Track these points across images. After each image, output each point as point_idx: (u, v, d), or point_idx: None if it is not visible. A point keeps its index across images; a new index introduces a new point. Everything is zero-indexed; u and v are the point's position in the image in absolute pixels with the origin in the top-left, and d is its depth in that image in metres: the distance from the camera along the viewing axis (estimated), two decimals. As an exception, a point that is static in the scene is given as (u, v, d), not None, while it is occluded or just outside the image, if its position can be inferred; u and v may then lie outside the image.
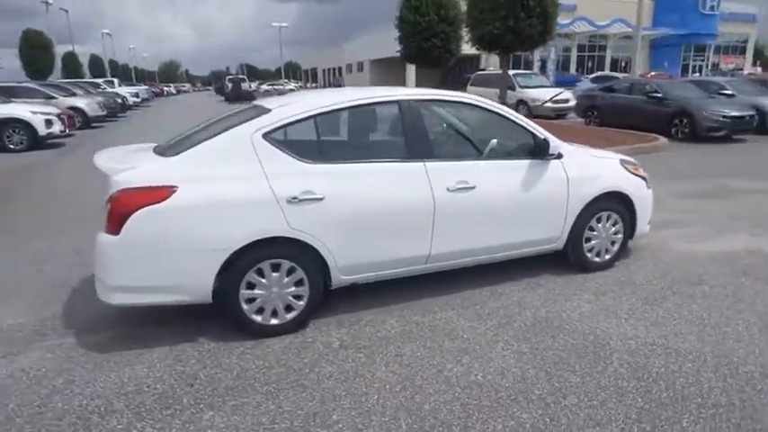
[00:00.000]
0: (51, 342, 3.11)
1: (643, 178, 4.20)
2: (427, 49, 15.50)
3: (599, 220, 3.99)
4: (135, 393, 2.59)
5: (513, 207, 3.61)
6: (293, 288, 3.10)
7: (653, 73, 31.93)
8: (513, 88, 17.67)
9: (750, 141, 11.61)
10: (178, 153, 2.96)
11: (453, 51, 16.05)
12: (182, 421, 2.37)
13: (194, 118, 6.61)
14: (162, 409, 2.46)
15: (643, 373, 2.72)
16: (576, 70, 39.60)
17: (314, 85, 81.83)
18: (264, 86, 51.14)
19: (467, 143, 3.65)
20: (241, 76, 40.56)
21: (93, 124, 17.42)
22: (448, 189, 3.34)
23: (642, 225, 4.25)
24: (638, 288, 3.81)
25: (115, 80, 33.15)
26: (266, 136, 3.02)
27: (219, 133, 3.03)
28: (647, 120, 12.14)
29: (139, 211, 2.72)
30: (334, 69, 72.66)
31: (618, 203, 4.03)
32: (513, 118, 3.70)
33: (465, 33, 15.34)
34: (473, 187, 3.40)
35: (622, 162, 4.16)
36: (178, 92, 66.98)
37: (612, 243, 4.12)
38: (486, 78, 19.58)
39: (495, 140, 3.63)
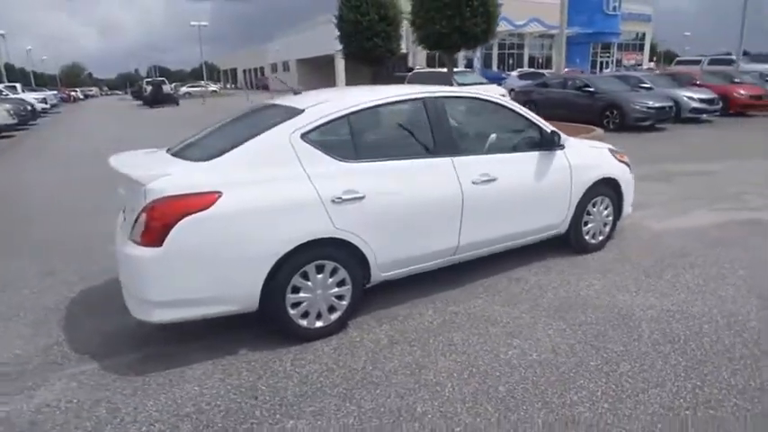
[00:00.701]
0: (70, 370, 2.84)
1: (626, 164, 4.57)
2: (369, 49, 15.63)
3: (594, 205, 4.29)
4: (198, 413, 2.45)
5: (529, 196, 3.81)
6: (336, 289, 3.07)
7: (567, 69, 34.30)
8: (451, 85, 18.27)
9: (670, 129, 12.87)
10: (213, 157, 2.82)
11: (394, 50, 16.32)
12: (264, 433, 2.30)
13: (119, 124, 6.22)
14: (237, 425, 2.35)
15: (673, 337, 2.99)
16: (498, 67, 41.58)
17: (232, 86, 79.17)
18: (184, 89, 48.74)
19: (484, 137, 3.78)
20: (161, 78, 38.34)
21: (2, 134, 15.75)
22: (473, 182, 3.45)
23: (627, 207, 4.63)
24: (634, 264, 4.15)
25: (17, 85, 30.13)
26: (304, 136, 2.96)
27: (255, 135, 2.93)
28: (581, 112, 13.04)
29: (184, 220, 2.57)
30: (256, 69, 70.81)
31: (609, 188, 4.36)
32: (521, 112, 3.90)
33: (402, 33, 15.70)
34: (495, 179, 3.54)
35: (610, 150, 4.50)
36: (86, 96, 61.99)
37: (605, 225, 4.45)
38: (424, 76, 20.02)
39: (509, 134, 3.81)
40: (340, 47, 16.47)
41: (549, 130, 3.90)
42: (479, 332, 3.12)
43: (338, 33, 16.06)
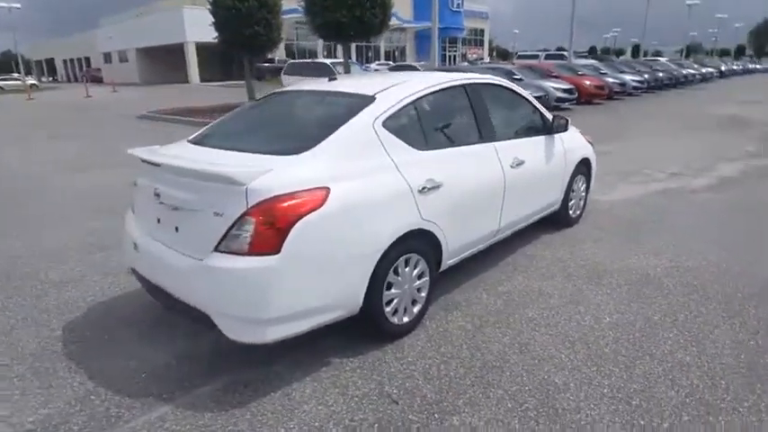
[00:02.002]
0: (146, 417, 2.34)
1: (591, 144, 5.15)
2: (250, 37, 14.79)
3: (575, 182, 4.78)
4: (349, 431, 2.24)
5: (544, 177, 4.12)
6: (418, 281, 3.00)
7: (422, 63, 36.49)
8: (333, 76, 18.21)
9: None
10: (301, 149, 2.53)
11: (275, 39, 15.70)
12: (434, 434, 2.19)
13: None
14: (399, 432, 2.21)
15: (697, 288, 3.53)
16: (357, 59, 42.51)
17: (50, 79, 68.30)
18: (-4, 82, 40.58)
19: (508, 122, 3.96)
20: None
21: None
22: (510, 166, 3.62)
23: (593, 183, 5.23)
24: (614, 231, 4.74)
25: None
26: (384, 124, 2.82)
27: (337, 124, 2.70)
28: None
29: (301, 221, 2.29)
30: (80, 60, 61.73)
31: (584, 167, 4.89)
32: (529, 98, 4.18)
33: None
34: (524, 162, 3.75)
35: (580, 132, 5.03)
36: None
37: (580, 200, 4.99)
38: (303, 67, 19.67)
39: (523, 119, 4.05)
40: (192, 34, 15.27)
41: (550, 116, 4.23)
42: (544, 306, 3.32)
43: (212, 20, 14.88)
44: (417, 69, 24.68)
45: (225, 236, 2.28)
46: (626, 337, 2.93)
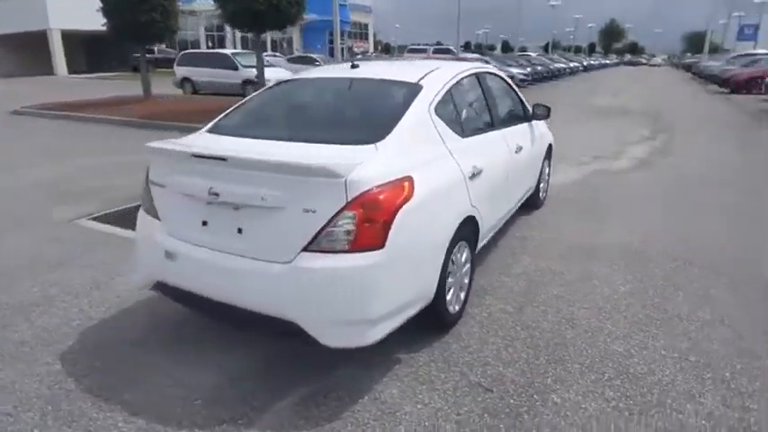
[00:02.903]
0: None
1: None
2: (145, 24, 13.42)
3: (543, 167, 5.11)
4: (462, 427, 2.18)
5: (532, 161, 4.37)
6: (465, 267, 3.00)
7: (320, 56, 36.08)
8: (235, 68, 17.23)
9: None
10: (371, 139, 2.38)
11: (173, 27, 14.44)
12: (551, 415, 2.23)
13: None
14: (533, 415, 2.22)
15: (677, 256, 3.97)
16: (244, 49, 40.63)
17: None
18: None
19: (504, 110, 4.08)
20: None
21: None
22: (514, 152, 3.76)
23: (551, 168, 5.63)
24: (579, 211, 5.15)
25: None
26: (436, 111, 2.77)
27: (398, 113, 2.59)
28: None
29: (400, 213, 2.18)
30: None
31: (548, 152, 5.24)
32: (515, 88, 4.36)
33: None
34: (522, 147, 3.93)
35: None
36: None
37: (546, 183, 5.34)
38: (200, 58, 18.30)
39: (513, 108, 4.21)
40: (57, 20, 13.57)
41: (530, 105, 4.47)
42: (562, 282, 3.52)
43: (101, 5, 13.23)
44: (317, 62, 24.34)
45: (318, 234, 2.08)
46: (648, 302, 3.22)
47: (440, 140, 2.71)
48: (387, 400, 2.33)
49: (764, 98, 16.01)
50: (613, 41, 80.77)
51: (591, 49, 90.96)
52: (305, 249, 2.11)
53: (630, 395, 2.35)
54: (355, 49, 54.75)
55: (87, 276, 3.61)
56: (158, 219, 2.55)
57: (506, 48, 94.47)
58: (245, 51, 21.13)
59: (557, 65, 30.40)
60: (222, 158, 2.18)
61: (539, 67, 26.03)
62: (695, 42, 67.19)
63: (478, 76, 3.56)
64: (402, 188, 2.21)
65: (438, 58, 22.11)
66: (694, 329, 2.91)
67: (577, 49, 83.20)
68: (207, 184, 2.25)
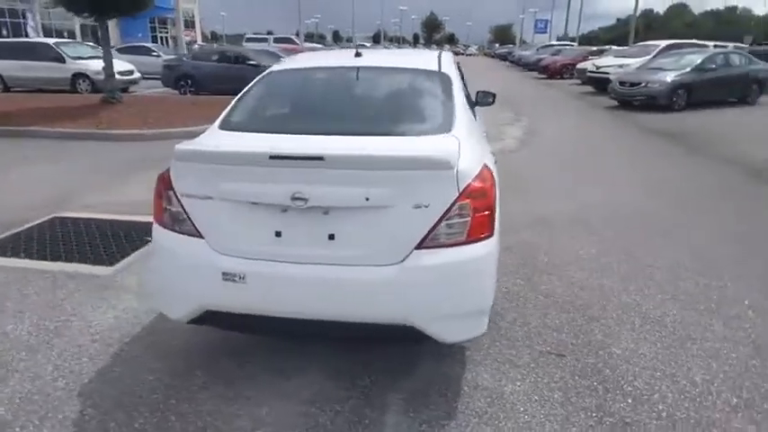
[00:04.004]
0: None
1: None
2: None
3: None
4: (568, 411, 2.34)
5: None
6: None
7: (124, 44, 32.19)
8: (61, 60, 14.58)
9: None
10: (442, 130, 2.35)
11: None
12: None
13: None
14: (599, 374, 2.44)
15: (631, 216, 4.66)
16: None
17: None
18: None
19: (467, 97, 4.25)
20: None
21: None
22: (485, 133, 4.00)
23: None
24: (521, 187, 5.63)
25: None
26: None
27: (446, 102, 2.58)
28: (248, 84, 13.45)
29: (497, 202, 2.19)
30: None
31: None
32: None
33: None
34: (486, 132, 4.18)
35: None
36: None
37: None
38: (10, 48, 15.00)
39: (466, 92, 4.43)
40: None
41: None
42: (576, 256, 3.87)
43: None
44: (155, 52, 21.83)
45: (433, 229, 2.00)
46: (642, 256, 3.76)
47: (477, 126, 2.77)
48: (486, 385, 2.37)
49: (575, 82, 19.13)
50: (434, 32, 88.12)
51: (415, 40, 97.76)
52: (418, 247, 2.01)
53: (663, 336, 2.77)
54: (183, 38, 50.40)
55: (29, 323, 2.88)
56: (200, 236, 2.15)
57: (337, 38, 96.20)
58: (72, 41, 18.00)
59: (398, 54, 31.98)
60: (318, 158, 1.94)
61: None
62: (501, 34, 76.96)
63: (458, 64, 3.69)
64: (491, 174, 2.23)
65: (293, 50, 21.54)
66: (689, 275, 3.51)
67: (402, 40, 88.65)
68: (288, 189, 1.98)
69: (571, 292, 3.23)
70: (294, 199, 1.98)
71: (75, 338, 2.74)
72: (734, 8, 78.58)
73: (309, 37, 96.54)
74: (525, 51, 31.48)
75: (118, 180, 5.83)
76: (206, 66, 14.04)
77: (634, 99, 11.71)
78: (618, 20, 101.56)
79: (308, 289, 2.06)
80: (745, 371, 2.49)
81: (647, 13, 76.33)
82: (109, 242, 4.10)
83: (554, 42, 34.34)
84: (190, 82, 14.03)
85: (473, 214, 2.04)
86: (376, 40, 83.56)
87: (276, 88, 2.96)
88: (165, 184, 2.22)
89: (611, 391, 2.34)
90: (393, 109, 2.66)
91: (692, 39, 17.93)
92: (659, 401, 2.27)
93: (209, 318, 2.20)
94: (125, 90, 15.06)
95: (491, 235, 2.10)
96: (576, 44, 32.67)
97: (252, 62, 13.63)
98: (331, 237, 2.04)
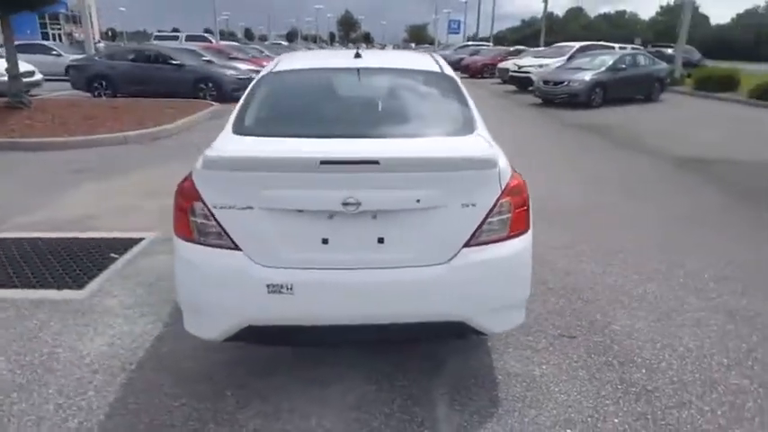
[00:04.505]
0: None
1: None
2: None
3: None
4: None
5: None
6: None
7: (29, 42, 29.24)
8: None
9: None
10: (467, 131, 2.41)
11: None
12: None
13: None
14: (608, 348, 2.65)
15: (606, 214, 5.01)
16: None
17: None
18: None
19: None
20: None
21: None
22: None
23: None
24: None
25: None
26: (467, 100, 2.91)
27: (461, 103, 2.65)
28: (172, 86, 12.66)
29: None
30: None
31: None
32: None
33: None
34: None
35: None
36: None
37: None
38: None
39: None
40: None
41: None
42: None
43: None
44: (53, 50, 19.85)
45: (480, 226, 2.07)
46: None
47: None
48: (517, 372, 2.49)
49: (496, 81, 20.09)
50: (351, 31, 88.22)
51: (332, 39, 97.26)
52: (466, 245, 2.07)
53: (650, 311, 3.06)
54: (75, 35, 46.32)
55: (6, 360, 2.59)
56: (237, 249, 2.05)
57: (249, 35, 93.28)
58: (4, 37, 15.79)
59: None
60: (373, 161, 1.92)
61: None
62: (416, 34, 78.73)
63: None
64: (518, 172, 2.33)
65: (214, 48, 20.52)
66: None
67: (319, 39, 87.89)
68: (340, 195, 1.95)
69: (561, 279, 3.46)
70: (345, 204, 1.96)
71: (71, 371, 2.49)
72: (623, 12, 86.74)
73: (220, 35, 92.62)
74: (445, 51, 32.52)
75: (52, 193, 5.29)
76: (122, 66, 13.04)
77: (557, 97, 12.62)
78: (522, 21, 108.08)
79: (359, 294, 2.05)
80: (725, 335, 2.83)
81: (549, 16, 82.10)
82: (66, 263, 3.73)
83: (470, 42, 35.82)
84: (104, 84, 12.96)
85: (513, 211, 2.13)
86: (290, 38, 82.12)
87: (283, 91, 2.86)
88: (189, 195, 2.08)
89: (626, 364, 2.56)
90: (413, 110, 2.69)
91: (589, 40, 19.65)
92: (667, 368, 2.52)
93: (248, 334, 2.11)
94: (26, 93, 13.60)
95: (528, 229, 2.21)
96: (491, 44, 34.35)
97: (175, 61, 12.89)
98: (380, 240, 2.04)
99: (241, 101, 2.66)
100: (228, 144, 2.20)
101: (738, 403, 2.29)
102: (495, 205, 2.09)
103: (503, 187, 2.10)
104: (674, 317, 3.00)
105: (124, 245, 4.06)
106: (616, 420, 2.18)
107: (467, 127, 2.45)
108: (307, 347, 2.56)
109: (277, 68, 2.96)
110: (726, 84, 14.69)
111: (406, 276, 2.05)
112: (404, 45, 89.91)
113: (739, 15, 71.51)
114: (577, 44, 17.27)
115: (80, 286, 3.41)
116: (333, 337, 2.19)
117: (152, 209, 4.79)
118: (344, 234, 2.03)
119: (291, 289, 2.01)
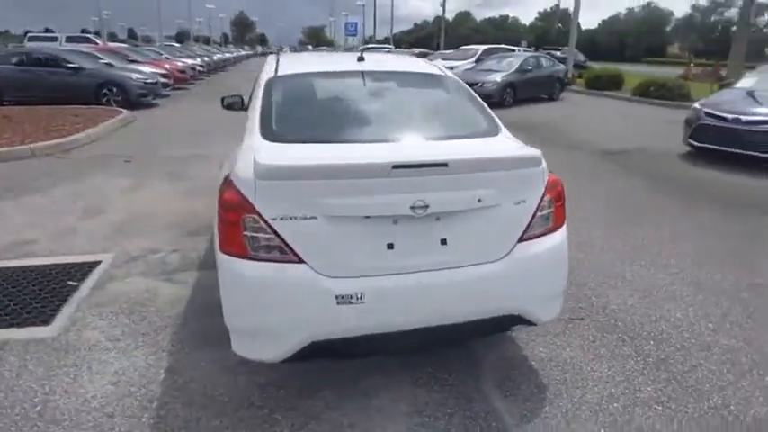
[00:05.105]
0: None
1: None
2: None
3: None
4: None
5: None
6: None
7: None
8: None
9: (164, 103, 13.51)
10: (494, 131, 2.51)
11: None
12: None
13: None
14: (614, 326, 2.88)
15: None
16: None
17: None
18: None
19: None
20: None
21: None
22: None
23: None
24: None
25: None
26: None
27: (477, 104, 2.76)
28: (71, 92, 11.40)
29: None
30: None
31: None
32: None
33: None
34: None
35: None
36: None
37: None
38: None
39: None
40: None
41: None
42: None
43: None
44: None
45: (531, 222, 2.17)
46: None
47: None
48: (548, 357, 2.64)
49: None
50: (246, 32, 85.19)
51: (225, 40, 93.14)
52: (520, 240, 2.16)
53: (635, 289, 3.39)
54: None
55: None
56: (300, 261, 1.95)
57: (133, 36, 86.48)
58: None
59: (225, 55, 30.47)
60: (441, 164, 1.93)
61: (215, 57, 25.62)
62: (314, 36, 78.07)
63: None
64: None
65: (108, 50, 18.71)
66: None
67: (211, 41, 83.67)
68: (409, 198, 1.94)
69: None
70: (413, 208, 1.95)
71: (82, 420, 2.18)
72: (506, 17, 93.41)
73: (97, 34, 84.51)
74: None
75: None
76: (6, 70, 11.47)
77: (473, 98, 13.24)
78: (415, 24, 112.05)
79: (425, 297, 2.05)
80: (701, 303, 3.21)
81: (439, 20, 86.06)
82: (17, 296, 3.24)
83: (375, 45, 36.41)
84: (-7, 89, 11.32)
85: (555, 205, 2.26)
86: (180, 39, 77.48)
87: (302, 95, 2.74)
88: (240, 208, 1.93)
89: (636, 338, 2.81)
90: (438, 113, 2.73)
91: (479, 42, 20.88)
92: (669, 338, 2.82)
93: (312, 350, 2.01)
94: None
95: (564, 222, 2.35)
96: (393, 46, 35.19)
97: (71, 65, 11.60)
98: (443, 242, 2.05)
99: (257, 107, 2.49)
100: (274, 152, 2.07)
101: (735, 360, 2.63)
102: (541, 201, 2.19)
103: (546, 184, 2.22)
104: (655, 293, 3.33)
105: (80, 270, 3.62)
106: (649, 388, 2.40)
107: (493, 127, 2.54)
108: (351, 359, 2.48)
109: (282, 72, 2.82)
110: (614, 83, 16.48)
111: (468, 275, 2.08)
112: (300, 47, 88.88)
113: (604, 21, 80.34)
114: (482, 47, 18.29)
115: (44, 321, 2.98)
116: (397, 344, 2.16)
117: (94, 228, 4.33)
118: (409, 238, 2.01)
119: (362, 298, 1.95)
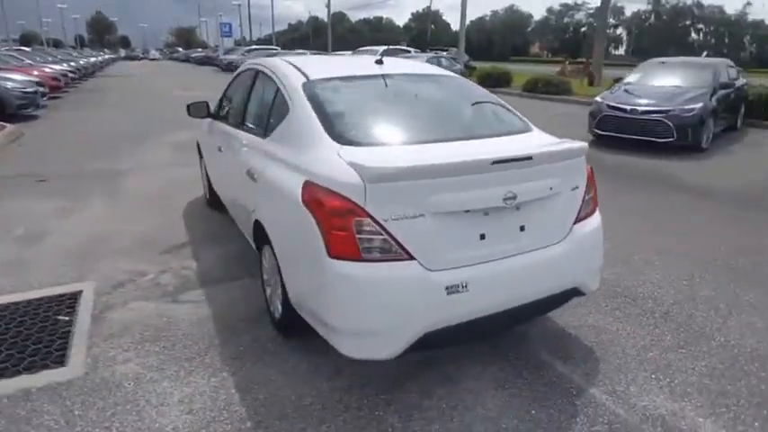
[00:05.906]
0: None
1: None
2: None
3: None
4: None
5: None
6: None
7: None
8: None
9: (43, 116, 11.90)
10: (526, 129, 2.79)
11: None
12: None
13: None
14: (619, 295, 3.35)
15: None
16: None
17: None
18: None
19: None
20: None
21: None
22: None
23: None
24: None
25: None
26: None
27: (499, 104, 2.99)
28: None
29: None
30: None
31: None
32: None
33: None
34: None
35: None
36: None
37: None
38: None
39: None
40: None
41: None
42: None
43: None
44: None
45: (582, 205, 2.49)
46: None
47: None
48: (581, 324, 3.00)
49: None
50: (105, 34, 77.05)
51: (81, 43, 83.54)
52: (576, 221, 2.46)
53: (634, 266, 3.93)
54: None
55: None
56: (410, 258, 2.05)
57: (-39, 38, 73.82)
58: None
59: (93, 59, 27.51)
60: (527, 158, 2.15)
61: (83, 61, 23.03)
62: (184, 37, 73.13)
63: None
64: None
65: None
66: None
67: (57, 43, 74.61)
68: (503, 191, 2.14)
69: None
70: (506, 199, 2.15)
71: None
72: (381, 18, 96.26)
73: None
74: (232, 56, 31.43)
75: None
76: None
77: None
78: (289, 25, 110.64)
79: (513, 279, 2.27)
80: (700, 276, 3.65)
81: (315, 20, 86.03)
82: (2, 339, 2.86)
83: (260, 46, 35.44)
84: None
85: (593, 190, 2.61)
86: (26, 42, 68.07)
87: (348, 99, 2.76)
88: (350, 212, 1.99)
89: (637, 300, 3.30)
90: (482, 112, 2.93)
91: (356, 43, 21.57)
92: (661, 296, 3.35)
93: (425, 340, 2.12)
94: None
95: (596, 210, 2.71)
96: (279, 48, 34.54)
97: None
98: (522, 228, 2.28)
99: (310, 112, 2.50)
100: (369, 156, 2.12)
101: (716, 306, 3.22)
102: (587, 186, 2.53)
103: (587, 172, 2.56)
104: (648, 271, 3.79)
105: (62, 303, 3.26)
106: (668, 337, 2.87)
107: (525, 124, 2.83)
108: (483, 337, 2.68)
109: (314, 76, 2.81)
110: (504, 80, 18.05)
111: (542, 256, 2.34)
112: (172, 50, 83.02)
113: (472, 22, 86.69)
114: (381, 48, 18.89)
115: (59, 362, 2.67)
116: (492, 325, 2.34)
117: (47, 256, 3.92)
118: (497, 227, 2.21)
119: (467, 287, 2.11)
